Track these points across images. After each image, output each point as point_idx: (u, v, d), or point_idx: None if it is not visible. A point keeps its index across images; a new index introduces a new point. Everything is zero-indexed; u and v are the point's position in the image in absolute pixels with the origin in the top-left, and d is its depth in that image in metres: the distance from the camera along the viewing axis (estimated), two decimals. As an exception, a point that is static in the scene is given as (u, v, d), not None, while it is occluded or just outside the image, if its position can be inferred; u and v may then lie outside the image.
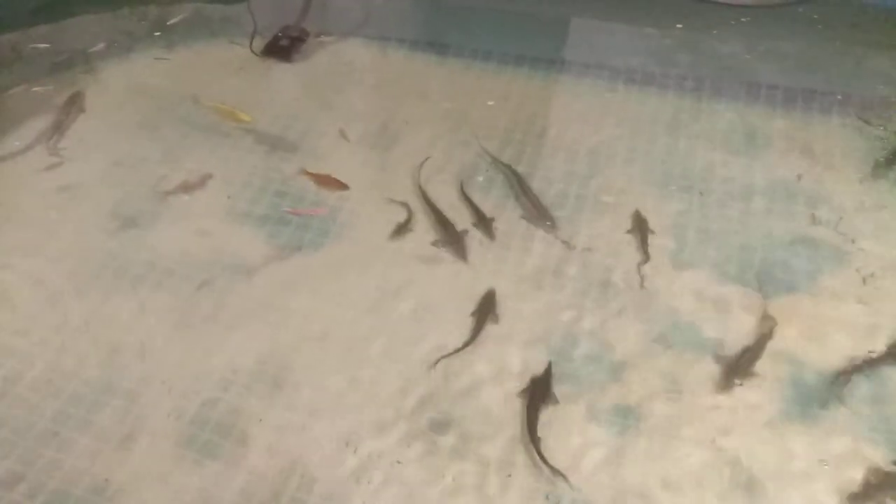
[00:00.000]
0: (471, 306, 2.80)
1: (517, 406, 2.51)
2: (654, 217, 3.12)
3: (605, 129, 3.57)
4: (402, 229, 3.08)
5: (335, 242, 3.05)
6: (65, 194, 3.22)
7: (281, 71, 3.94)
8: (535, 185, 3.27)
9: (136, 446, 2.40)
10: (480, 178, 3.32)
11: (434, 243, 3.03)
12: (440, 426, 2.46)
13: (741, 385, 2.54)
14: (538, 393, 2.52)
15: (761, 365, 2.60)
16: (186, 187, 3.25)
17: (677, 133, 3.54)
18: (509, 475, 2.35)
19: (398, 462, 2.37)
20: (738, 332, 2.72)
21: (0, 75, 3.75)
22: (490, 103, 3.72)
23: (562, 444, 2.42)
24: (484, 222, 3.10)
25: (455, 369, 2.62)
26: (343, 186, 3.19)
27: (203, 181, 3.28)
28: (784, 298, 2.83)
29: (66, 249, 2.99)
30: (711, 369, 2.61)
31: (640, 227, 3.06)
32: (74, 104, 3.63)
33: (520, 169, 3.34)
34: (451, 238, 3.03)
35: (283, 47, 4.00)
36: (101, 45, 3.95)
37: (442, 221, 3.09)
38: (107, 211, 3.14)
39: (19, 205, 3.17)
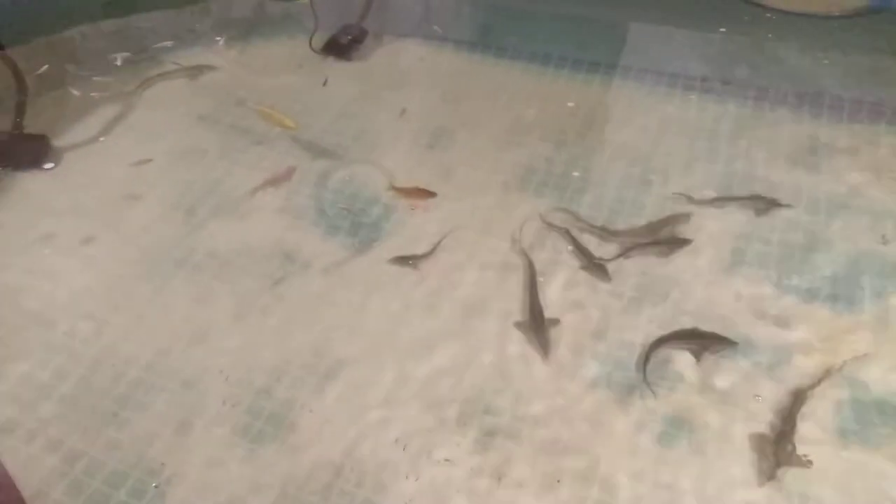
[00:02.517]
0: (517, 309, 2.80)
1: (567, 414, 2.50)
2: (714, 228, 3.07)
3: (665, 135, 3.53)
4: (407, 259, 2.97)
5: (389, 240, 3.07)
6: (129, 185, 3.31)
7: (340, 69, 4.00)
8: (593, 189, 3.25)
9: (192, 432, 2.46)
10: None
11: (517, 325, 2.74)
12: (492, 427, 2.46)
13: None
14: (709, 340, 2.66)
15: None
16: (275, 181, 3.30)
17: (738, 142, 3.47)
18: (558, 480, 2.34)
19: (447, 460, 2.38)
20: (798, 349, 2.65)
21: (70, 68, 3.88)
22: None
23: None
24: (594, 265, 2.90)
25: (508, 372, 2.62)
26: (431, 195, 3.21)
27: (289, 173, 3.32)
28: (848, 317, 2.75)
29: (130, 238, 3.08)
30: (766, 385, 2.55)
31: None
32: (187, 71, 3.90)
33: (575, 173, 3.32)
34: (536, 326, 2.69)
35: (342, 45, 4.05)
36: (167, 43, 4.06)
37: (531, 303, 2.76)
38: (170, 202, 3.23)
39: (86, 192, 3.28)
